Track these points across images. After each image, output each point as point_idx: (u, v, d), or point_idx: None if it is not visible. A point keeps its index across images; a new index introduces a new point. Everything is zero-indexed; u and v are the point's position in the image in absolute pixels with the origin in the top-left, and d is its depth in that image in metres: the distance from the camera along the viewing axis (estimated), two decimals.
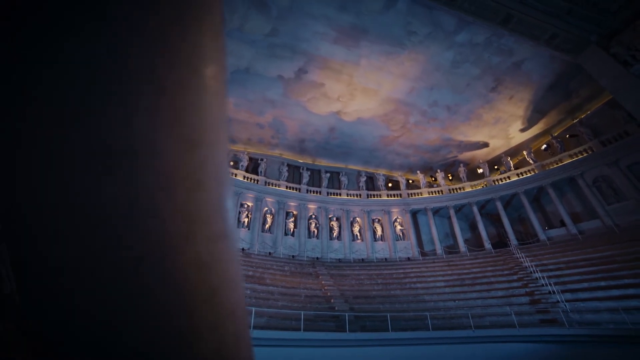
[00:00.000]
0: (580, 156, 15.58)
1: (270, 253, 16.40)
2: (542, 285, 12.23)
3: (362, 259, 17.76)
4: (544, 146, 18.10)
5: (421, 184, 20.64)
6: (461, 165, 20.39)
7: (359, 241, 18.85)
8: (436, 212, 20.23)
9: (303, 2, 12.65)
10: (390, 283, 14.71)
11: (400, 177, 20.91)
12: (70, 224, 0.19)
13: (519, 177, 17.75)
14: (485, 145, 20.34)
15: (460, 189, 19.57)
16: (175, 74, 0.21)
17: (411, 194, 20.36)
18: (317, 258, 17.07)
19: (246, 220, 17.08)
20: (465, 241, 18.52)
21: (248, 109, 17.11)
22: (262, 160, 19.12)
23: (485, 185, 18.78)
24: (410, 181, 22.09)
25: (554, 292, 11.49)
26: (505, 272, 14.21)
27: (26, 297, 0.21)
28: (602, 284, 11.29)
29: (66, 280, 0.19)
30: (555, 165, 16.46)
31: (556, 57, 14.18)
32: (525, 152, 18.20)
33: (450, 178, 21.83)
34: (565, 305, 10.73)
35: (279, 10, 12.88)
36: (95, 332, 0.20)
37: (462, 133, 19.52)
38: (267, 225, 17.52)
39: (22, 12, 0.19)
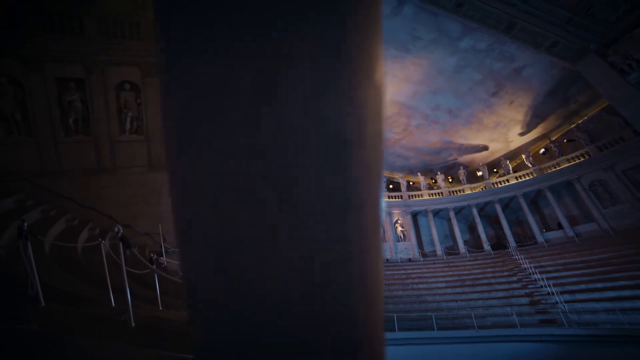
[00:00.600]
0: (578, 160, 16.01)
1: None
2: (541, 286, 12.60)
3: None
4: (542, 150, 18.51)
5: (422, 186, 20.94)
6: (461, 167, 20.74)
7: None
8: (436, 213, 20.56)
9: None
10: (393, 284, 14.99)
11: (401, 179, 21.20)
12: (301, 219, 0.19)
13: (517, 180, 18.14)
14: (485, 148, 20.72)
15: (460, 191, 19.92)
16: (372, 74, 0.22)
17: (412, 195, 20.65)
18: None
19: None
20: (465, 242, 18.88)
21: None
22: None
23: (485, 187, 19.15)
24: (411, 183, 22.40)
25: (552, 294, 11.87)
26: (505, 273, 14.58)
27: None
28: (599, 285, 11.69)
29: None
30: (553, 169, 16.87)
31: (556, 64, 14.55)
32: (524, 156, 18.60)
33: (450, 180, 22.19)
34: (564, 306, 11.10)
35: None
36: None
37: (462, 136, 19.86)
38: None
39: None
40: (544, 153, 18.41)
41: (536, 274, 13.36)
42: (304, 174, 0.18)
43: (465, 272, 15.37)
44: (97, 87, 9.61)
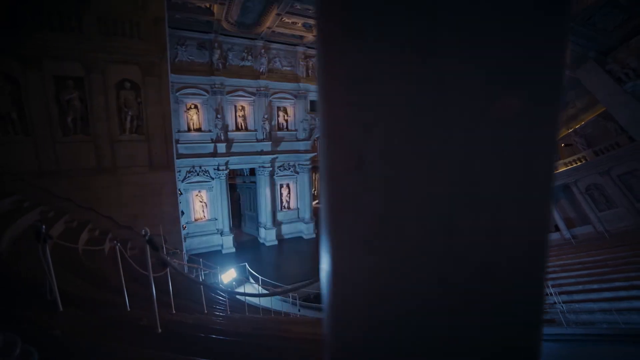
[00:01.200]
0: (575, 164, 16.27)
1: None
2: None
3: None
4: None
5: None
6: None
7: None
8: None
9: None
10: None
11: None
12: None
13: None
14: None
15: None
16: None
17: None
18: None
19: None
20: None
21: None
22: None
23: None
24: None
25: (551, 294, 12.01)
26: None
27: None
28: (595, 286, 11.90)
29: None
30: None
31: None
32: None
33: None
34: (562, 306, 11.25)
35: None
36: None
37: None
38: None
39: None
40: None
41: None
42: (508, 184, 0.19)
43: None
44: (96, 86, 9.44)
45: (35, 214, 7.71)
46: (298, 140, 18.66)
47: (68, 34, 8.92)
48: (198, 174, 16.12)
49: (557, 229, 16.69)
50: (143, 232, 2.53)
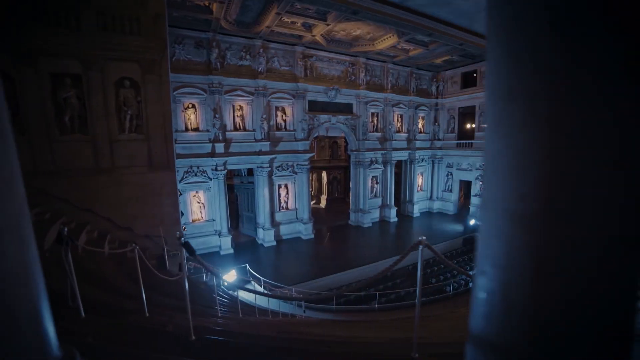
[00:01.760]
0: None
1: None
2: None
3: None
4: None
5: None
6: None
7: None
8: None
9: None
10: None
11: None
12: None
13: None
14: None
15: None
16: None
17: None
18: None
19: None
20: None
21: None
22: None
23: None
24: None
25: None
26: None
27: None
28: None
29: None
30: None
31: None
32: None
33: None
34: None
35: None
36: None
37: None
38: None
39: None
40: None
41: None
42: None
43: None
44: (95, 84, 9.20)
45: (31, 216, 7.45)
46: (296, 140, 18.57)
47: (65, 30, 8.66)
48: (196, 175, 15.89)
49: None
50: (178, 235, 2.43)
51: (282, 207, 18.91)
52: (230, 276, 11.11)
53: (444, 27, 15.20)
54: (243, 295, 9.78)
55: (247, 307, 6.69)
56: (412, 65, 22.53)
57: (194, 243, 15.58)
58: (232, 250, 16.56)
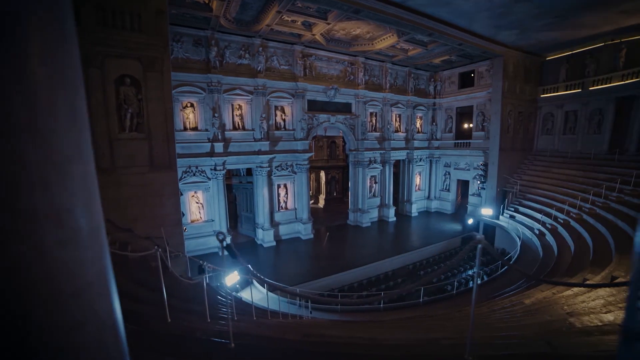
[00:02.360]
0: None
1: None
2: None
3: None
4: None
5: None
6: None
7: None
8: None
9: None
10: None
11: None
12: None
13: None
14: None
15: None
16: None
17: None
18: None
19: None
20: None
21: None
22: None
23: None
24: None
25: None
26: None
27: None
28: None
29: None
30: None
31: None
32: None
33: None
34: None
35: None
36: None
37: None
38: None
39: None
40: None
41: None
42: None
43: None
44: (94, 81, 8.96)
45: None
46: (296, 139, 18.45)
47: None
48: (194, 174, 15.66)
49: None
50: (221, 237, 2.31)
51: (282, 207, 18.77)
52: (232, 277, 10.93)
53: (444, 27, 15.24)
54: (245, 295, 9.63)
55: (257, 309, 6.56)
56: (410, 65, 22.59)
57: (192, 244, 15.35)
58: None
